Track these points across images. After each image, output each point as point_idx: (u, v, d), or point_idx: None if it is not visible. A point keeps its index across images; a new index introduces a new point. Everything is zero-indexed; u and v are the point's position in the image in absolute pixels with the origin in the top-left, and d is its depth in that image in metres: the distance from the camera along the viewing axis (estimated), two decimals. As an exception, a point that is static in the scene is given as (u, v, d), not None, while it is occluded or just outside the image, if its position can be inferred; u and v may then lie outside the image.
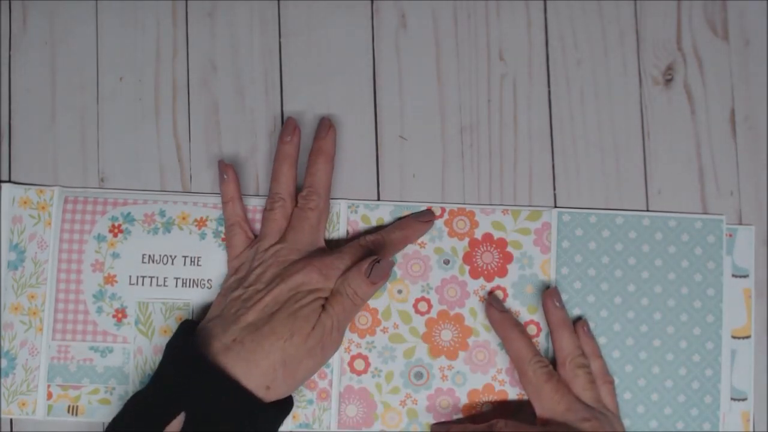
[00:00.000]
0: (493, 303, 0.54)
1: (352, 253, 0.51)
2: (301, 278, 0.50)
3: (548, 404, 0.50)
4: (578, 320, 0.54)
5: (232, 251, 0.53)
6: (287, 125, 0.53)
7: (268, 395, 0.48)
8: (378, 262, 0.49)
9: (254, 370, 0.47)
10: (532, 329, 0.55)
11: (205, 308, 0.54)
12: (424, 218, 0.55)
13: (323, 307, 0.50)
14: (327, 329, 0.49)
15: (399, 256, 0.55)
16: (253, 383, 0.47)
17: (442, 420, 0.54)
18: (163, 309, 0.54)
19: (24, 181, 0.56)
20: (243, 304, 0.49)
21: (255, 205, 0.55)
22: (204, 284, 0.55)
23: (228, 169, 0.53)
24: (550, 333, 0.53)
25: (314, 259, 0.51)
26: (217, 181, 0.56)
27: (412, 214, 0.55)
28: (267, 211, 0.53)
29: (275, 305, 0.49)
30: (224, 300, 0.51)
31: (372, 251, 0.52)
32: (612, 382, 0.52)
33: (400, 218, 0.55)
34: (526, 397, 0.54)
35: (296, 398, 0.54)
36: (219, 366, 0.47)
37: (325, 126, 0.53)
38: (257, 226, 0.55)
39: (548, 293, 0.53)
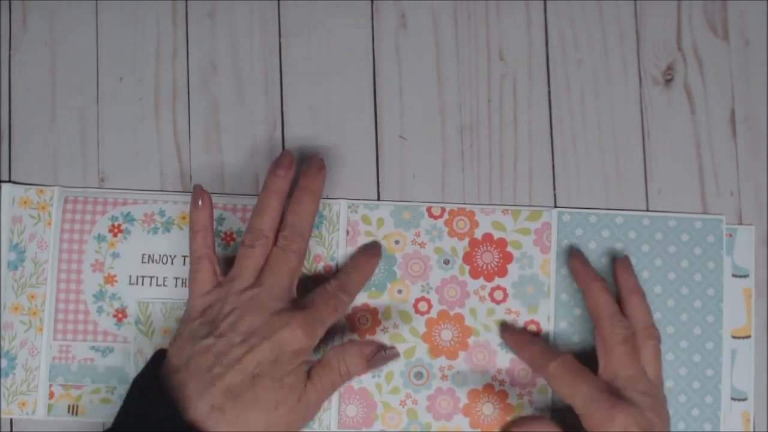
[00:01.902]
0: (577, 255, 0.53)
1: (325, 303, 0.49)
2: (285, 336, 0.46)
3: (615, 365, 0.48)
4: (620, 258, 0.54)
5: (198, 288, 0.49)
6: (284, 158, 0.50)
7: None
8: (384, 350, 0.49)
9: None
10: (531, 329, 0.55)
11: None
12: (371, 251, 0.54)
13: (309, 374, 0.48)
14: (312, 403, 0.48)
15: (399, 256, 0.55)
16: None
17: (442, 420, 0.54)
18: (163, 309, 0.55)
19: (24, 181, 0.56)
20: (217, 359, 0.46)
21: (255, 204, 0.55)
22: (204, 284, 0.54)
23: (204, 196, 0.50)
24: (622, 300, 0.51)
25: (297, 314, 0.47)
26: (217, 181, 0.56)
27: (360, 248, 0.55)
28: (246, 247, 0.49)
29: (257, 368, 0.46)
30: (190, 346, 0.47)
31: (339, 297, 0.50)
32: (659, 339, 0.50)
33: (352, 256, 0.54)
34: (525, 399, 0.54)
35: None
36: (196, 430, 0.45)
37: (317, 165, 0.51)
38: (248, 221, 0.55)
39: (621, 261, 0.52)
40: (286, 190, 0.50)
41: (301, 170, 0.52)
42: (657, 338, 0.50)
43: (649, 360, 0.49)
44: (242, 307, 0.47)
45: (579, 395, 0.47)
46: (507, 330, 0.54)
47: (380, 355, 0.49)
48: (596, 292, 0.51)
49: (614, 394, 0.47)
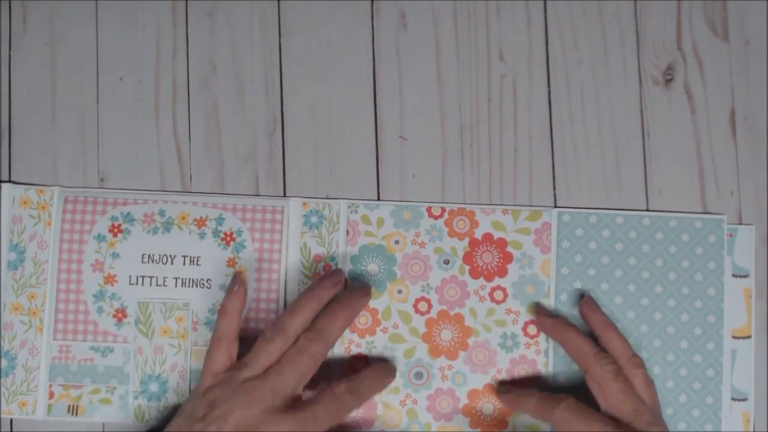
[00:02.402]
0: (541, 311, 0.54)
1: (326, 407, 0.48)
2: None
3: (614, 402, 0.49)
4: (582, 297, 0.54)
5: (210, 368, 0.49)
6: (337, 275, 0.52)
7: None
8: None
9: None
10: (532, 330, 0.55)
11: (206, 307, 0.54)
12: (392, 376, 0.53)
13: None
14: None
15: (399, 257, 0.55)
16: None
17: (442, 420, 0.54)
18: (163, 309, 0.55)
19: (24, 181, 0.56)
20: None
21: (255, 204, 0.55)
22: (203, 284, 0.55)
23: (241, 285, 0.50)
24: (598, 338, 0.52)
25: (288, 417, 0.47)
26: (216, 181, 0.56)
27: (379, 362, 0.53)
28: (266, 341, 0.49)
29: None
30: (187, 426, 0.47)
31: (344, 401, 0.49)
32: (644, 366, 0.51)
33: (370, 365, 0.53)
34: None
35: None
36: None
37: (366, 290, 0.53)
38: (248, 221, 0.55)
39: (585, 302, 0.53)
40: (325, 301, 0.51)
41: (348, 287, 0.53)
42: (642, 365, 0.51)
43: (643, 388, 0.50)
44: (239, 398, 0.47)
45: None
46: (503, 390, 0.54)
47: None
48: (574, 339, 0.52)
49: (623, 428, 0.48)
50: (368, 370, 0.52)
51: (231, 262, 0.55)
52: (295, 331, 0.49)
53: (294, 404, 0.48)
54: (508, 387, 0.54)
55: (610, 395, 0.50)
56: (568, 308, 0.55)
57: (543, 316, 0.54)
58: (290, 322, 0.49)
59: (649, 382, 0.50)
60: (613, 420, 0.49)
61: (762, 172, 0.56)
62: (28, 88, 0.56)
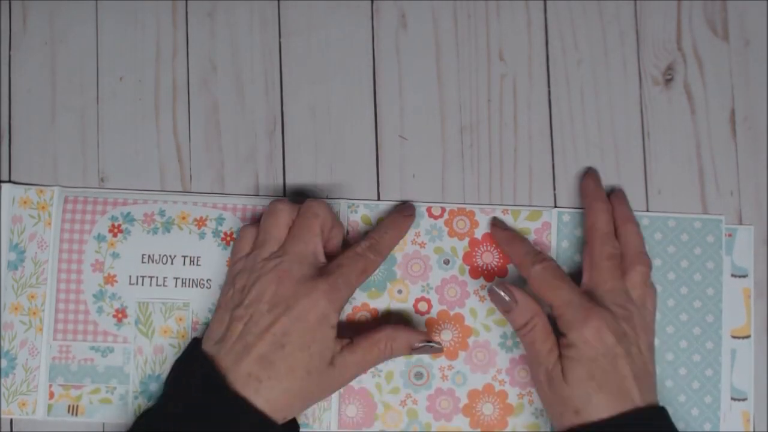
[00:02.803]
0: (592, 175, 0.55)
1: (353, 265, 0.50)
2: (307, 305, 0.47)
3: (597, 279, 0.50)
4: (615, 190, 0.55)
5: (237, 250, 0.51)
6: (410, 208, 0.54)
7: (282, 419, 0.48)
8: (430, 344, 0.50)
9: (273, 404, 0.47)
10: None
11: (206, 307, 0.54)
12: (406, 212, 0.54)
13: (352, 343, 0.49)
14: (347, 370, 0.49)
15: (399, 257, 0.55)
16: (272, 412, 0.47)
17: (442, 420, 0.54)
18: (163, 309, 0.55)
19: (24, 181, 0.56)
20: (248, 329, 0.47)
21: (254, 204, 0.55)
22: (204, 284, 0.55)
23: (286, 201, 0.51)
24: (616, 228, 0.52)
25: (319, 282, 0.48)
26: (216, 181, 0.56)
27: (394, 208, 0.55)
28: (268, 213, 0.51)
29: (284, 336, 0.47)
30: (226, 316, 0.49)
31: (368, 257, 0.50)
32: (648, 266, 0.51)
33: (381, 219, 0.55)
34: (525, 399, 0.54)
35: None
36: (240, 396, 0.46)
37: (411, 211, 0.54)
38: (248, 221, 0.55)
39: (616, 194, 0.55)
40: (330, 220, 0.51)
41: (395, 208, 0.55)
42: (647, 265, 0.51)
43: (636, 283, 0.50)
44: (268, 277, 0.48)
45: (557, 298, 0.49)
46: (497, 226, 0.55)
47: (426, 347, 0.50)
48: (597, 212, 0.52)
49: (591, 301, 0.49)
50: (386, 221, 0.53)
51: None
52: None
53: (321, 270, 0.49)
54: (502, 224, 0.55)
55: (596, 271, 0.50)
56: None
57: (590, 180, 0.54)
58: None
59: (646, 282, 0.51)
60: (585, 292, 0.50)
61: (762, 172, 0.56)
62: (28, 88, 0.56)
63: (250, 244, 0.51)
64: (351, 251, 0.50)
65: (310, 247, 0.49)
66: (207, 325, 0.54)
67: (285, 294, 0.48)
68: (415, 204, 0.55)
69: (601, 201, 0.53)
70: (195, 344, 0.49)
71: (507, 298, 0.49)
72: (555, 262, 0.51)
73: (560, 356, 0.48)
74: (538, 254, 0.51)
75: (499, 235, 0.54)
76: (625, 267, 0.51)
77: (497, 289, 0.50)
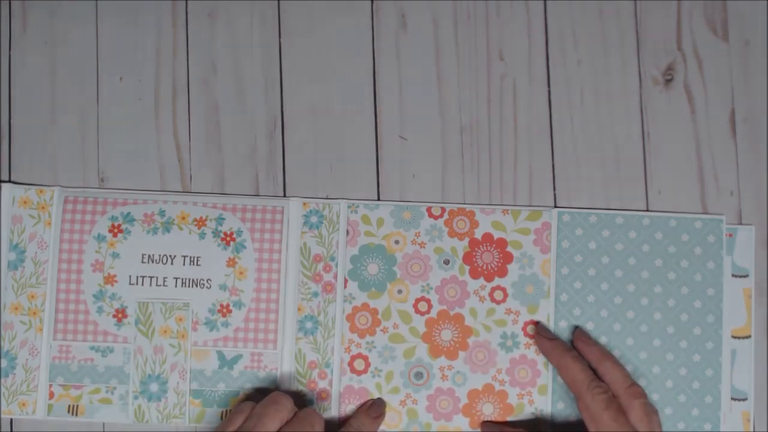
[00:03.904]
0: (541, 332, 0.54)
1: None
2: None
3: (606, 430, 0.49)
4: (574, 330, 0.54)
5: (226, 425, 0.50)
6: (379, 406, 0.54)
7: None
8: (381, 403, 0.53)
9: None
10: (532, 330, 0.55)
11: (206, 307, 0.54)
12: (374, 413, 0.54)
13: None
14: None
15: (399, 257, 0.55)
16: None
17: (442, 420, 0.54)
18: (163, 309, 0.55)
19: (24, 181, 0.56)
20: None
21: (254, 204, 0.55)
22: (204, 284, 0.55)
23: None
24: (596, 370, 0.52)
25: None
26: (216, 181, 0.56)
27: (362, 406, 0.54)
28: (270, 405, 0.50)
29: None
30: None
31: None
32: (644, 395, 0.51)
33: (355, 414, 0.54)
34: (525, 399, 0.54)
35: (297, 397, 0.54)
36: None
37: (380, 408, 0.54)
38: (248, 221, 0.55)
39: (577, 336, 0.53)
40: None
41: (363, 406, 0.55)
42: (642, 395, 0.50)
43: (640, 418, 0.50)
44: None
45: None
46: (541, 335, 0.54)
47: (376, 405, 0.53)
48: (570, 365, 0.51)
49: None
50: (354, 422, 0.53)
51: (231, 262, 0.55)
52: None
53: None
54: (550, 335, 0.54)
55: (601, 424, 0.49)
56: (568, 308, 0.55)
57: (542, 337, 0.54)
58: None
59: (649, 412, 0.50)
60: None
61: (762, 172, 0.56)
62: (28, 88, 0.56)
63: (240, 422, 0.50)
64: None
65: None
66: (206, 325, 0.54)
67: None
68: (415, 204, 0.55)
69: (565, 352, 0.52)
70: None
71: None
72: (611, 393, 0.50)
73: None
74: (593, 381, 0.50)
75: (546, 346, 0.54)
76: (623, 405, 0.50)
77: None
